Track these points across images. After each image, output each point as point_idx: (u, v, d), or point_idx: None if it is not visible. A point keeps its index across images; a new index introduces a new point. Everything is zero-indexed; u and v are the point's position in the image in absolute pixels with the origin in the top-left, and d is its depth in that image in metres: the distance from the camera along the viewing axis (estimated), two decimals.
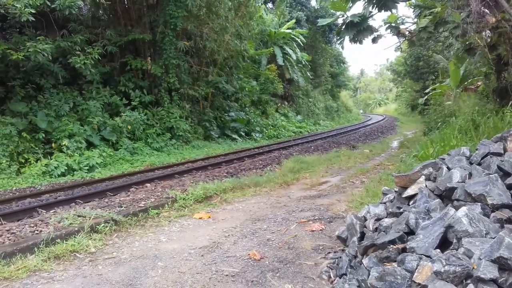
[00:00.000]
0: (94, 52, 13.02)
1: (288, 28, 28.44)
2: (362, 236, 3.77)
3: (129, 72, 15.66)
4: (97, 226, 5.28)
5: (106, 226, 5.33)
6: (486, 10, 6.99)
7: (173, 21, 15.34)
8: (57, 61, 12.93)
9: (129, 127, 13.98)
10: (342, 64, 47.95)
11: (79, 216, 5.66)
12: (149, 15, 15.90)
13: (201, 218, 6.07)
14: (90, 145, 12.47)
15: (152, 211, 6.26)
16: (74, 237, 4.89)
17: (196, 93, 17.74)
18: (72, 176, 10.65)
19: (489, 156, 3.59)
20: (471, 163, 3.64)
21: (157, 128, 15.28)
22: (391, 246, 3.02)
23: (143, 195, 7.56)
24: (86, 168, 11.13)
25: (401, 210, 3.60)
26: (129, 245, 4.90)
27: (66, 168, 10.74)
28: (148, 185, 9.02)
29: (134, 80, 15.78)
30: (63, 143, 11.52)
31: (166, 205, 6.63)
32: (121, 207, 6.60)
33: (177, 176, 10.12)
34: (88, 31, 14.21)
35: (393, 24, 12.57)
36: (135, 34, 15.21)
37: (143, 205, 6.60)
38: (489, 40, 8.47)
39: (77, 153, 11.49)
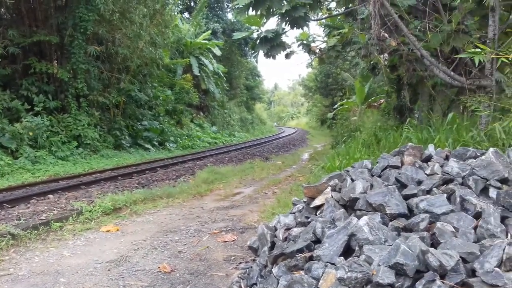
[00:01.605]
0: None
1: (204, 39, 28.48)
2: (272, 246, 3.84)
3: (32, 76, 14.59)
4: None
5: (2, 241, 4.92)
6: (386, 35, 7.59)
7: (83, 25, 14.62)
8: None
9: (31, 133, 12.99)
10: (257, 77, 49.00)
11: None
12: (56, 16, 15.00)
13: (108, 231, 5.80)
14: None
15: (54, 224, 5.87)
16: None
17: (107, 100, 17.00)
18: None
19: (388, 169, 3.85)
20: (372, 175, 3.89)
21: (62, 135, 14.36)
22: (299, 254, 3.11)
23: (45, 207, 7.08)
24: None
25: (309, 219, 3.73)
26: (28, 261, 4.54)
27: None
28: (51, 196, 8.44)
29: (38, 84, 14.71)
30: None
31: (71, 217, 6.25)
32: (20, 220, 6.12)
33: (84, 187, 9.59)
34: None
35: (305, 42, 13.17)
36: (40, 35, 14.26)
37: (44, 218, 6.18)
38: (386, 62, 9.18)
39: None
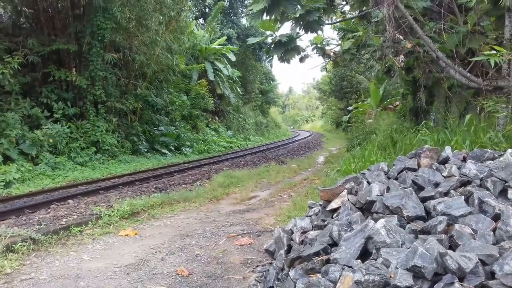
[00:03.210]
0: (13, 61, 12.28)
1: (219, 45, 28.67)
2: (289, 249, 3.86)
3: (52, 83, 14.88)
4: (14, 246, 4.94)
5: (24, 245, 5.02)
6: (401, 37, 7.55)
7: (100, 33, 14.88)
8: None
9: (51, 140, 13.24)
10: (271, 82, 49.06)
11: None
12: (75, 25, 15.27)
13: (127, 235, 5.89)
14: (7, 159, 11.62)
15: (74, 228, 5.98)
16: None
17: (124, 106, 17.24)
18: None
19: (405, 171, 3.83)
20: (389, 178, 3.87)
21: (81, 142, 14.60)
22: (316, 257, 3.11)
23: (65, 212, 7.20)
24: (2, 184, 10.33)
25: (326, 222, 3.73)
26: (49, 265, 4.63)
27: None
28: (70, 201, 8.59)
29: (57, 92, 15.00)
30: None
31: (90, 222, 6.36)
32: (41, 225, 6.24)
33: (102, 192, 9.74)
34: (8, 39, 13.39)
35: (319, 45, 13.15)
36: (59, 44, 14.53)
37: (64, 223, 6.29)
38: (402, 64, 9.12)
39: None
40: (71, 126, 14.64)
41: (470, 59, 6.66)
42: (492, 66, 5.48)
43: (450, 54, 7.28)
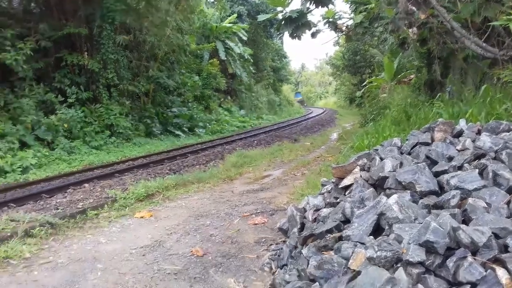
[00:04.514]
0: (26, 47, 12.36)
1: (229, 23, 28.38)
2: (302, 227, 3.86)
3: (64, 68, 14.98)
4: (32, 230, 5.04)
5: (42, 230, 5.11)
6: (414, 8, 7.35)
7: (111, 15, 14.85)
8: None
9: (66, 125, 13.40)
10: (283, 59, 48.57)
11: (12, 220, 5.38)
12: (85, 8, 15.25)
13: (142, 217, 5.96)
14: (24, 145, 11.83)
15: (90, 212, 6.07)
16: (7, 242, 4.63)
17: (137, 88, 17.31)
18: (5, 178, 10.04)
19: (418, 146, 3.77)
20: (402, 153, 3.82)
21: (95, 125, 14.75)
22: (329, 235, 3.11)
23: (81, 196, 7.32)
24: (20, 169, 10.54)
25: (338, 200, 3.71)
26: (67, 248, 4.72)
27: None
28: (86, 185, 8.72)
29: (70, 76, 15.10)
30: None
31: (106, 205, 6.45)
32: (58, 209, 6.36)
33: (117, 175, 9.85)
34: (19, 25, 13.45)
35: (331, 20, 12.91)
36: (70, 28, 14.56)
37: (81, 206, 6.39)
38: (415, 36, 8.90)
39: (9, 154, 10.84)
40: (85, 110, 14.78)
41: (488, 25, 6.46)
42: (510, 34, 5.31)
43: (465, 24, 7.06)
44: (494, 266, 2.18)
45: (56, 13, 15.23)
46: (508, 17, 5.27)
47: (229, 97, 30.29)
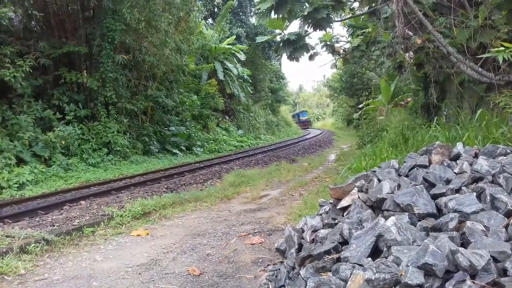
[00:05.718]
0: (25, 64, 12.44)
1: (228, 44, 28.69)
2: (300, 248, 3.85)
3: (63, 86, 15.03)
4: (27, 247, 5.01)
5: (37, 246, 5.08)
6: (410, 33, 7.48)
7: (110, 34, 14.99)
8: None
9: (63, 142, 13.38)
10: (281, 80, 48.96)
11: (7, 236, 5.34)
12: (85, 27, 15.42)
13: (139, 235, 5.92)
14: (21, 162, 11.78)
15: (86, 229, 6.03)
16: (2, 258, 4.60)
17: (135, 107, 17.35)
18: (1, 194, 9.99)
19: (415, 168, 3.80)
20: (399, 175, 3.84)
21: (93, 143, 14.73)
22: (327, 256, 3.10)
23: (78, 213, 7.27)
24: (16, 185, 10.49)
25: (336, 221, 3.72)
26: (62, 266, 4.68)
27: None
28: (83, 202, 8.68)
29: (68, 94, 15.15)
30: None
31: (102, 222, 6.41)
32: (54, 226, 6.31)
33: (114, 193, 9.82)
34: (19, 42, 13.56)
35: (328, 43, 13.08)
36: (70, 46, 14.67)
37: (77, 224, 6.35)
38: (412, 60, 9.02)
39: (6, 170, 10.81)
40: (83, 127, 14.78)
41: (481, 56, 6.57)
42: (501, 62, 5.41)
43: (461, 49, 7.18)
44: None
45: (57, 32, 15.37)
46: (498, 48, 5.38)
47: (227, 117, 30.40)
